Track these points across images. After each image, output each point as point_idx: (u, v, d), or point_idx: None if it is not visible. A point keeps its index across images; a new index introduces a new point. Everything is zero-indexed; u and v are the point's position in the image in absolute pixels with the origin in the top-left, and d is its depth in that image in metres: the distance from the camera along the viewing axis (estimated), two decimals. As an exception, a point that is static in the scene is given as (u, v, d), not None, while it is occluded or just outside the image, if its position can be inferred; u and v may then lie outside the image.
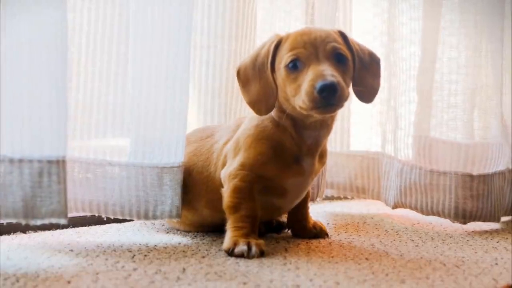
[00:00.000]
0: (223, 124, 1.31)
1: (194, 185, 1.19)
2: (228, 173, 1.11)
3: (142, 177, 1.15)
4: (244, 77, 1.12)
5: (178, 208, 1.16)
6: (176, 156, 1.16)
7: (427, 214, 1.44)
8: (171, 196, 1.16)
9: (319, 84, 0.99)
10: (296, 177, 1.12)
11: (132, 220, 1.31)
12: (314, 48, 1.04)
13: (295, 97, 1.04)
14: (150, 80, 1.14)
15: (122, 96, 1.18)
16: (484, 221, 1.41)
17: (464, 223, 1.40)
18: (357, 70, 1.10)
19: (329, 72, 1.00)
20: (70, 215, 1.26)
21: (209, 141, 1.21)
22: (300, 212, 1.25)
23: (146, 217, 1.16)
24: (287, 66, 1.05)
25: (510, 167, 1.48)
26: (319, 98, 0.99)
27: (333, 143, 1.63)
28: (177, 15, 1.14)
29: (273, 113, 1.12)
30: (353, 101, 1.65)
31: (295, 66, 1.05)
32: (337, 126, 1.62)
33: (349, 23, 1.61)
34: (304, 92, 1.01)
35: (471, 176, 1.40)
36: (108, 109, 1.17)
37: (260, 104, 1.10)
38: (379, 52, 1.58)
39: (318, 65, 1.02)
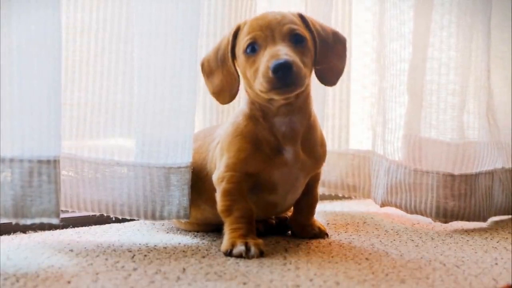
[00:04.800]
0: (223, 123, 1.31)
1: (196, 181, 1.19)
2: (216, 177, 1.12)
3: (149, 177, 1.15)
4: (208, 69, 1.14)
5: (186, 208, 1.16)
6: (183, 156, 1.16)
7: (411, 213, 1.43)
8: (178, 196, 1.15)
9: (273, 63, 0.99)
10: (280, 168, 1.11)
11: (134, 220, 1.30)
12: (270, 31, 1.05)
13: (255, 81, 1.04)
14: (156, 79, 1.14)
15: (130, 95, 1.18)
16: (468, 220, 1.40)
17: (446, 222, 1.40)
18: (319, 51, 1.10)
19: (283, 52, 1.01)
20: (71, 215, 1.28)
21: (209, 139, 1.21)
22: (304, 216, 1.23)
23: (154, 217, 1.16)
24: (245, 50, 1.06)
25: (507, 167, 1.48)
26: (275, 78, 0.99)
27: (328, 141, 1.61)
28: (183, 13, 1.13)
29: (245, 106, 1.12)
30: (352, 101, 1.66)
31: (253, 50, 1.06)
32: (329, 124, 1.61)
33: (346, 22, 1.60)
34: (261, 74, 1.02)
35: (452, 176, 1.39)
36: (116, 108, 1.18)
37: (223, 93, 1.12)
38: (377, 51, 1.60)
39: (274, 46, 1.03)
